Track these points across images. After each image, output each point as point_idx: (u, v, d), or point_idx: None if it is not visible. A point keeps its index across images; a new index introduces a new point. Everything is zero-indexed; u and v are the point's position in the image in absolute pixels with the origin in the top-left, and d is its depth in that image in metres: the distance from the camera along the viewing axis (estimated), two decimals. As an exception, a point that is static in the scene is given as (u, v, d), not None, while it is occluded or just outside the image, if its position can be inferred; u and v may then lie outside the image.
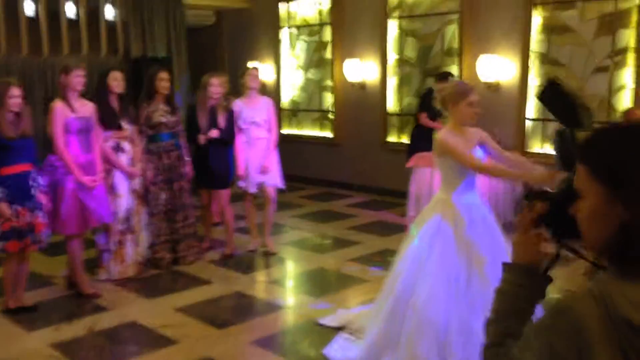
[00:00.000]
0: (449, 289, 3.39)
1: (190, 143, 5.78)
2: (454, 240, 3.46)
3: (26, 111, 4.45)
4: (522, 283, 1.34)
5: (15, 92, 4.34)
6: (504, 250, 3.51)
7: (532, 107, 7.22)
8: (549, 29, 6.94)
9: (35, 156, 4.53)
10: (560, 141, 1.19)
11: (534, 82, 7.15)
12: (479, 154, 3.60)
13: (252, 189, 5.95)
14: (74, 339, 4.25)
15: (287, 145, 6.09)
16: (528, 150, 7.25)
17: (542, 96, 1.37)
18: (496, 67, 7.28)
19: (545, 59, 7.02)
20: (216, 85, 5.66)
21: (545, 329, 1.15)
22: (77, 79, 4.73)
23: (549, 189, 1.35)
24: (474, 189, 3.61)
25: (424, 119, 7.38)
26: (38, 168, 4.60)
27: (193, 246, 5.83)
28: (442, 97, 3.52)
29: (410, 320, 3.41)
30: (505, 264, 1.38)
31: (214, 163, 5.77)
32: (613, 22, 6.45)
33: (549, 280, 1.37)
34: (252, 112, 5.85)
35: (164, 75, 5.52)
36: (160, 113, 5.50)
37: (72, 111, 4.73)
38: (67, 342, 4.19)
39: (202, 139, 5.63)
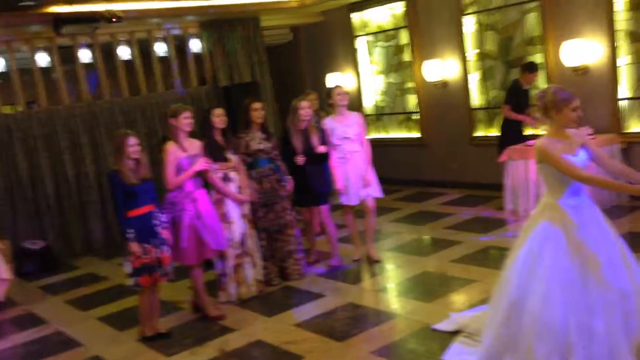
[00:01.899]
0: (564, 292, 3.41)
1: (287, 165, 6.07)
2: (565, 244, 3.48)
3: (143, 157, 4.87)
4: None
5: (133, 141, 4.76)
6: (617, 249, 3.51)
7: (625, 87, 7.03)
8: (636, 5, 6.74)
9: (156, 196, 4.95)
10: None
11: (624, 61, 6.96)
12: (582, 156, 3.60)
13: (354, 202, 6.18)
14: (209, 360, 4.61)
15: (375, 149, 6.28)
16: (624, 130, 7.07)
17: None
18: (582, 51, 7.14)
19: (634, 36, 6.82)
20: (306, 108, 5.95)
21: None
22: (186, 120, 5.13)
23: None
24: (582, 191, 3.61)
25: (507, 111, 7.37)
26: (159, 207, 5.01)
27: (299, 260, 6.12)
28: (544, 104, 3.56)
29: (527, 326, 3.47)
30: None
31: (313, 181, 6.05)
32: None
33: None
34: (344, 127, 6.09)
35: (257, 105, 5.86)
36: (257, 141, 5.84)
37: (184, 151, 5.13)
38: (203, 364, 4.55)
39: (300, 160, 5.92)
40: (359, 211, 6.44)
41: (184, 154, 5.13)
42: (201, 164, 5.16)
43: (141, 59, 9.05)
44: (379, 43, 9.88)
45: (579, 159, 3.57)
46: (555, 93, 3.54)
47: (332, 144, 6.11)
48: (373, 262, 6.34)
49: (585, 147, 3.63)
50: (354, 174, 6.12)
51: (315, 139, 6.02)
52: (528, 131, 7.55)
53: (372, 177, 6.20)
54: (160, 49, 9.22)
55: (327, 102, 6.24)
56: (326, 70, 10.61)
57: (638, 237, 5.83)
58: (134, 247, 4.73)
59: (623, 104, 7.07)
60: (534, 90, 7.17)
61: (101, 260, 8.18)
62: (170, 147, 5.12)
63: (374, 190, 6.24)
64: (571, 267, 3.46)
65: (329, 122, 6.17)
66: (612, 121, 7.12)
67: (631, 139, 6.99)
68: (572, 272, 3.45)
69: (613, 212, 6.77)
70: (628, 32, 6.88)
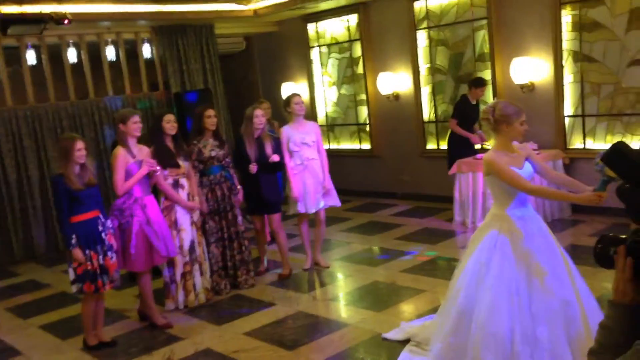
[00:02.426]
0: (510, 301, 3.51)
1: (240, 172, 6.04)
2: (511, 253, 3.58)
3: (89, 162, 4.75)
4: (621, 320, 1.49)
5: (80, 145, 4.64)
6: (561, 260, 3.62)
7: (569, 105, 7.28)
8: (580, 26, 7.02)
9: (101, 202, 4.83)
10: (629, 199, 1.31)
11: (569, 80, 7.23)
12: (528, 168, 3.71)
13: (312, 210, 6.18)
14: (155, 370, 4.51)
15: (327, 160, 6.32)
16: (569, 147, 7.32)
17: (606, 158, 1.47)
18: (529, 68, 7.37)
19: (578, 56, 7.09)
20: (260, 117, 5.93)
21: None
22: (135, 125, 5.03)
23: (621, 236, 1.51)
24: (528, 202, 3.73)
25: (454, 125, 7.55)
26: (104, 212, 4.89)
27: (249, 270, 6.08)
28: (493, 118, 3.65)
29: (474, 335, 3.55)
30: (609, 302, 1.52)
31: (265, 190, 6.02)
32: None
33: None
34: (302, 134, 6.09)
35: (210, 112, 5.82)
36: (210, 147, 5.78)
37: (133, 156, 5.03)
38: (149, 374, 4.45)
39: (253, 168, 5.88)
40: (311, 222, 6.44)
41: (133, 159, 5.03)
42: (148, 164, 5.06)
43: (90, 62, 8.85)
44: (333, 54, 9.96)
45: (524, 171, 3.69)
46: (505, 107, 3.65)
47: (289, 152, 6.11)
48: (323, 269, 6.38)
49: (530, 160, 3.75)
50: (312, 182, 6.13)
51: (268, 148, 6.00)
52: (477, 145, 7.73)
53: (331, 185, 6.23)
54: (110, 53, 9.03)
55: (285, 110, 6.23)
56: (280, 80, 10.62)
57: (579, 249, 6.03)
58: (77, 253, 4.60)
59: (567, 120, 7.32)
60: (483, 105, 7.36)
61: (43, 267, 7.92)
62: (120, 153, 5.01)
63: (333, 199, 6.27)
64: (517, 276, 3.56)
65: (286, 130, 6.16)
66: (557, 137, 7.36)
67: (574, 155, 7.24)
68: (517, 281, 3.55)
69: (555, 225, 6.99)
70: (572, 52, 7.15)
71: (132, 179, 5.00)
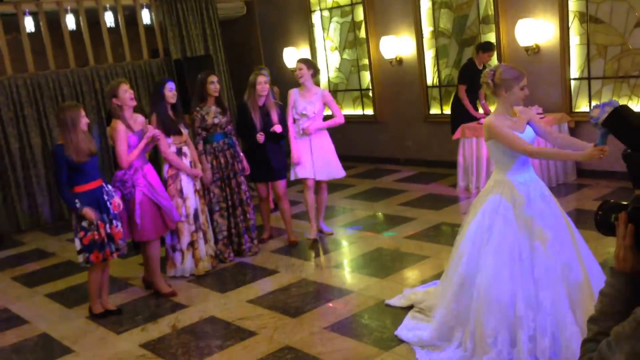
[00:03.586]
0: (512, 266, 3.51)
1: (245, 140, 5.99)
2: (514, 218, 3.56)
3: (90, 129, 4.72)
4: (622, 288, 1.48)
5: (83, 113, 4.61)
6: (564, 225, 3.61)
7: (575, 67, 7.18)
8: (586, -13, 6.87)
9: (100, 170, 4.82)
10: (629, 164, 1.29)
11: (575, 42, 7.10)
12: (529, 132, 3.67)
13: (312, 176, 6.10)
14: (160, 337, 4.55)
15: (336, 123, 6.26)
16: (575, 110, 7.24)
17: (607, 123, 1.45)
18: (534, 31, 7.25)
19: (585, 17, 6.95)
20: (263, 83, 5.86)
21: (628, 337, 1.31)
22: (127, 94, 4.95)
23: (623, 202, 1.49)
24: (529, 166, 3.70)
25: (462, 92, 7.44)
26: (106, 181, 4.88)
27: (253, 239, 6.08)
28: (493, 82, 3.59)
29: (477, 299, 3.55)
30: (610, 269, 1.52)
31: (271, 156, 6.00)
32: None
33: None
34: (305, 104, 6.01)
35: (213, 78, 5.74)
36: (212, 115, 5.73)
37: (131, 129, 4.98)
38: (155, 341, 4.49)
39: (260, 138, 5.85)
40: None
41: (131, 131, 4.98)
42: (152, 131, 5.02)
43: (89, 29, 8.74)
44: (335, 19, 9.81)
45: (526, 135, 3.66)
46: (505, 71, 3.58)
47: (293, 117, 6.05)
48: (326, 235, 6.40)
49: (531, 123, 3.71)
50: (312, 152, 6.06)
51: (274, 115, 5.95)
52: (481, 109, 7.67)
53: (331, 157, 6.17)
54: (109, 19, 8.90)
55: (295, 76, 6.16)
56: (281, 45, 10.49)
57: (584, 213, 6.01)
58: (88, 212, 4.58)
59: (573, 83, 7.22)
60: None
61: (49, 235, 7.96)
62: (119, 127, 4.94)
63: (337, 171, 6.22)
64: (519, 241, 3.55)
65: (294, 94, 6.08)
66: (563, 100, 7.27)
67: (579, 118, 7.16)
68: (520, 245, 3.54)
69: (560, 189, 6.97)
70: (578, 13, 7.01)
71: (135, 150, 4.96)
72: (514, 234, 3.55)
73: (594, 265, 3.64)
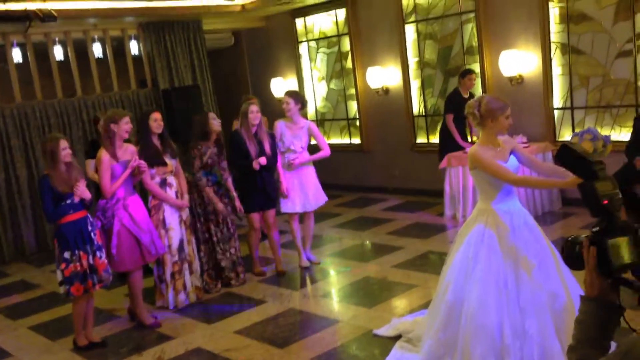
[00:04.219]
0: (498, 295, 3.52)
1: (238, 169, 5.99)
2: (498, 247, 3.59)
3: (74, 161, 4.71)
4: (593, 314, 1.50)
5: (64, 144, 4.61)
6: (549, 253, 3.64)
7: (559, 97, 7.29)
8: (567, 18, 7.02)
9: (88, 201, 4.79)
10: (582, 193, 1.36)
11: (557, 72, 7.23)
12: (513, 161, 3.72)
13: (300, 210, 6.18)
14: (146, 370, 4.49)
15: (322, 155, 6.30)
16: (559, 139, 7.33)
17: (558, 158, 1.53)
18: (518, 61, 7.38)
19: (566, 48, 7.09)
20: (255, 112, 5.90)
21: None
22: (126, 126, 4.98)
23: (583, 235, 1.53)
24: (514, 195, 3.74)
25: (450, 121, 7.52)
26: (91, 212, 4.85)
27: (238, 274, 6.05)
28: (479, 113, 3.65)
29: (464, 328, 3.56)
30: (581, 297, 1.53)
31: (269, 184, 6.04)
32: (630, 6, 6.50)
33: (622, 310, 1.50)
34: (291, 138, 6.08)
35: (212, 115, 5.91)
36: (209, 155, 5.77)
37: (117, 158, 4.98)
38: (140, 374, 4.43)
39: (256, 165, 5.87)
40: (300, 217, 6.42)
41: (117, 161, 4.98)
42: (135, 161, 5.00)
43: (77, 59, 8.77)
44: (322, 49, 9.92)
45: (510, 164, 3.71)
46: (489, 102, 3.65)
47: (279, 150, 6.10)
48: (314, 265, 6.38)
49: (515, 152, 3.76)
50: (299, 182, 6.12)
51: (266, 143, 5.98)
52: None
53: (316, 184, 6.22)
54: (97, 50, 8.95)
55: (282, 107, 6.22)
56: (269, 75, 10.57)
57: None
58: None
59: (556, 113, 7.33)
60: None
61: (33, 267, 7.87)
62: (104, 156, 4.95)
63: (320, 198, 6.25)
64: (505, 270, 3.57)
65: (280, 126, 6.12)
66: (546, 129, 7.37)
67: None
68: (505, 275, 3.56)
69: (546, 217, 7.02)
70: (560, 44, 7.15)
71: (118, 181, 4.95)
72: (499, 263, 3.57)
73: (579, 293, 3.66)
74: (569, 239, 1.59)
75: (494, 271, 3.55)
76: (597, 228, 1.50)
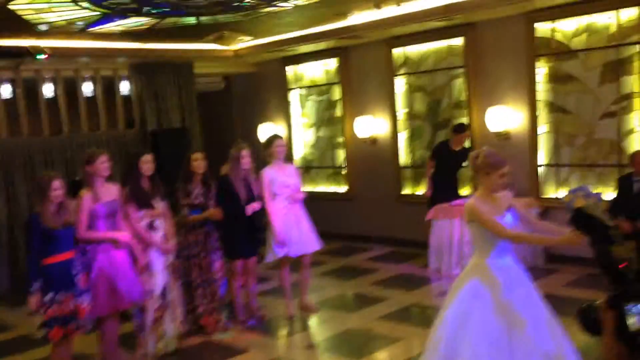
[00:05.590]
0: (490, 352, 3.47)
1: (227, 215, 5.89)
2: (492, 303, 3.56)
3: (67, 202, 4.63)
4: None
5: (57, 184, 4.53)
6: (542, 310, 3.61)
7: (544, 154, 7.39)
8: (554, 78, 7.19)
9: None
10: (597, 255, 1.35)
11: (543, 129, 7.35)
12: (508, 218, 3.72)
13: (295, 254, 6.07)
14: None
15: (303, 202, 6.27)
16: (542, 195, 7.40)
17: (572, 221, 1.53)
18: (505, 117, 7.50)
19: (553, 107, 7.24)
20: (247, 157, 5.89)
21: None
22: (103, 165, 4.91)
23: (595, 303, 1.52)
24: (509, 252, 3.72)
25: (429, 166, 7.67)
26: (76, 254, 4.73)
27: (219, 320, 5.92)
28: (475, 166, 3.67)
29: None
30: None
31: (257, 230, 5.99)
32: (616, 69, 6.68)
33: None
34: (285, 177, 6.04)
35: (198, 155, 5.82)
36: (195, 195, 5.73)
37: (99, 199, 4.89)
38: None
39: (249, 210, 5.83)
40: (293, 265, 6.33)
41: (98, 202, 4.89)
42: (123, 236, 4.96)
43: (66, 97, 8.75)
44: (312, 97, 10.02)
45: (506, 220, 3.69)
46: (486, 157, 3.65)
47: (272, 194, 6.02)
48: (311, 312, 6.28)
49: (512, 209, 3.75)
50: (296, 225, 6.05)
51: (255, 187, 5.98)
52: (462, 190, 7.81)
53: (312, 229, 6.17)
54: (87, 88, 8.94)
55: (264, 151, 6.14)
56: (258, 121, 10.62)
57: (554, 299, 6.00)
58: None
59: (541, 170, 7.42)
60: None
61: (7, 307, 7.63)
62: (85, 196, 4.86)
63: (315, 244, 6.19)
64: (498, 326, 3.53)
65: (269, 172, 6.03)
66: (531, 185, 7.44)
67: (548, 204, 7.31)
68: (498, 332, 3.52)
69: (529, 273, 6.99)
70: (547, 103, 7.29)
71: (99, 236, 4.84)
72: (492, 320, 3.53)
73: (572, 352, 3.61)
74: (584, 306, 1.58)
75: (487, 328, 3.51)
76: (615, 292, 1.49)
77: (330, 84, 9.67)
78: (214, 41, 9.31)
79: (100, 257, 4.85)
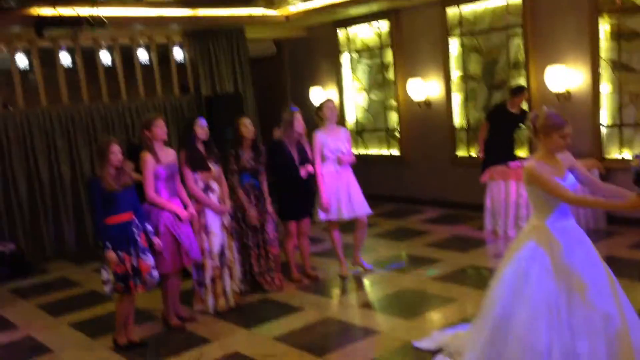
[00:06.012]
0: (549, 316, 3.40)
1: (281, 176, 6.01)
2: (551, 266, 3.47)
3: (126, 164, 4.79)
4: None
5: (116, 148, 4.69)
6: (603, 272, 3.52)
7: (606, 114, 7.14)
8: (618, 35, 6.88)
9: (136, 204, 4.85)
10: None
11: (606, 89, 7.09)
12: (570, 179, 3.61)
13: (343, 217, 6.13)
14: (185, 372, 4.50)
15: (355, 165, 6.29)
16: (605, 156, 7.17)
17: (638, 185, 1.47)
18: (565, 77, 7.25)
19: (616, 65, 6.95)
20: (300, 120, 5.93)
21: None
22: (161, 129, 5.07)
23: None
24: (569, 214, 3.62)
25: (483, 128, 7.53)
26: (138, 215, 4.89)
27: (273, 279, 6.07)
28: (534, 126, 3.57)
29: (511, 347, 3.45)
30: None
31: (310, 193, 6.07)
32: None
33: None
34: (336, 142, 6.08)
35: (246, 121, 5.89)
36: (245, 159, 5.81)
37: (159, 161, 5.05)
38: (179, 376, 4.45)
39: (304, 173, 5.93)
40: (345, 225, 6.39)
41: (159, 164, 5.05)
42: (187, 214, 5.15)
43: (123, 65, 8.95)
44: (363, 60, 9.93)
45: (567, 182, 3.57)
46: (547, 117, 3.54)
47: (322, 158, 6.07)
48: (366, 272, 6.36)
49: (573, 171, 3.64)
50: (346, 189, 6.09)
51: (309, 151, 6.04)
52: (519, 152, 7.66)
53: (361, 194, 6.21)
54: (143, 56, 9.12)
55: (316, 115, 6.19)
56: (309, 85, 10.62)
57: (616, 261, 5.87)
58: (110, 255, 4.64)
59: (603, 130, 7.18)
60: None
61: (73, 265, 8.00)
62: (147, 159, 5.03)
63: (366, 207, 6.22)
64: (556, 289, 3.45)
65: (320, 136, 6.09)
66: (593, 147, 7.21)
67: (610, 165, 7.08)
68: (557, 294, 3.44)
69: (590, 236, 6.77)
70: (610, 61, 7.01)
71: (164, 204, 5.05)
72: (550, 282, 3.45)
73: (633, 316, 3.53)
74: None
75: (545, 290, 3.44)
76: None
77: (382, 47, 9.55)
78: (265, 5, 9.30)
79: (166, 215, 5.03)
